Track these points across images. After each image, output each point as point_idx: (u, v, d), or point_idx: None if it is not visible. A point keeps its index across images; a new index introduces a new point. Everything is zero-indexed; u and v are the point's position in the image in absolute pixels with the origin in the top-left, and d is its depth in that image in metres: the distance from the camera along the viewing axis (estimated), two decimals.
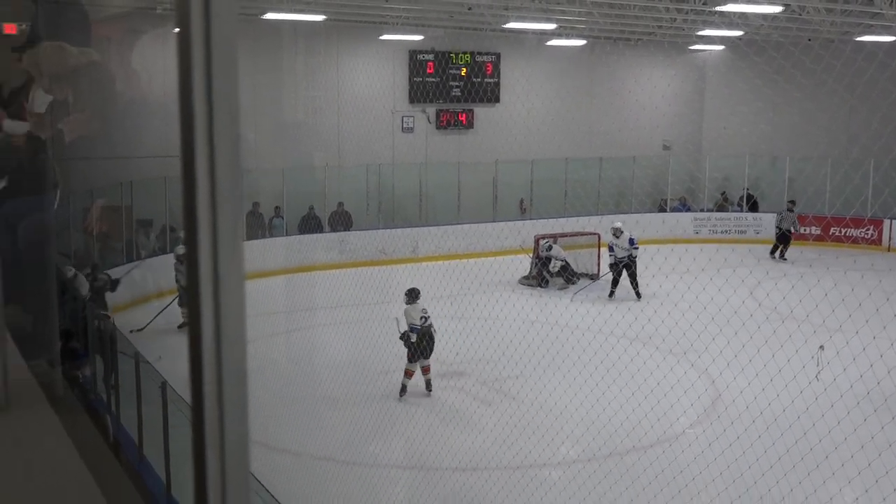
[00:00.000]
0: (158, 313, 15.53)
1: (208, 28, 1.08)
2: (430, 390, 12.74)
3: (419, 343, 12.46)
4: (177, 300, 15.31)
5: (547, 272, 19.91)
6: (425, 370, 12.70)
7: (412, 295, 12.93)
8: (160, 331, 14.97)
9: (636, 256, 18.44)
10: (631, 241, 18.40)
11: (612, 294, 18.66)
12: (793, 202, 24.12)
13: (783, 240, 23.63)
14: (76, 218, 16.50)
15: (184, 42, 1.09)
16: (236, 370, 1.06)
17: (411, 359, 12.52)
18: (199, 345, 1.05)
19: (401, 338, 12.65)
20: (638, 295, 18.35)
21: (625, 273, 18.60)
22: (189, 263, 1.07)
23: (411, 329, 12.53)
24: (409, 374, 12.60)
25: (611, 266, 18.93)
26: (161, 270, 16.40)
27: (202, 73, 1.08)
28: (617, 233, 18.65)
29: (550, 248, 19.95)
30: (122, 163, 15.87)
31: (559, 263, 19.89)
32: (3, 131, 5.06)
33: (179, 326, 15.01)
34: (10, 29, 5.33)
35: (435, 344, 12.76)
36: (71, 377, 7.54)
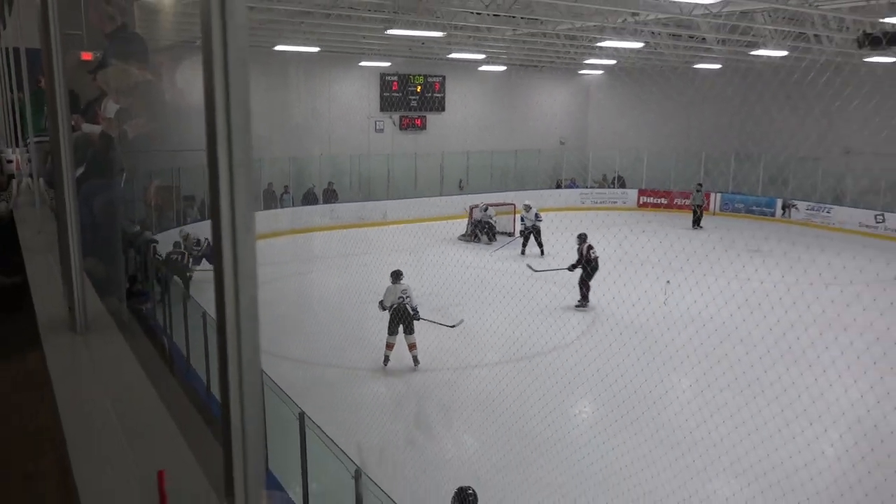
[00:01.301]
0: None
1: (226, 54, 1.06)
2: (417, 364, 10.34)
3: (392, 320, 10.27)
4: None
5: (479, 231, 19.92)
6: (410, 346, 10.38)
7: (396, 276, 10.57)
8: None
9: (540, 226, 18.22)
10: (536, 216, 18.22)
11: (523, 252, 18.38)
12: (700, 184, 23.24)
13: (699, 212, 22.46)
14: (139, 194, 16.16)
15: (208, 64, 1.07)
16: (250, 299, 1.06)
17: (389, 331, 10.38)
18: (221, 282, 1.04)
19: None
20: (542, 252, 18.17)
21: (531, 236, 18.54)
22: (213, 226, 1.06)
23: (382, 306, 10.36)
24: (388, 346, 10.38)
25: (521, 232, 18.79)
26: (204, 232, 16.14)
27: (222, 86, 1.06)
28: (527, 208, 18.49)
29: (487, 209, 19.92)
30: (171, 154, 15.46)
31: (490, 222, 19.86)
32: (81, 131, 4.94)
33: None
34: (88, 56, 5.24)
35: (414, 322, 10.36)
36: (135, 310, 7.41)
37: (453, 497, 5.29)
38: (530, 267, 14.99)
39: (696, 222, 22.43)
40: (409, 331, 10.35)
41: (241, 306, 1.05)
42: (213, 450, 1.28)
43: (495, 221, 20.18)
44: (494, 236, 19.92)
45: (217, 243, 1.06)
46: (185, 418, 1.87)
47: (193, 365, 8.70)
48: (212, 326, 7.39)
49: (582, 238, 13.32)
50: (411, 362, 10.25)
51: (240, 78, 1.07)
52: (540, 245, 18.37)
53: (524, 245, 18.65)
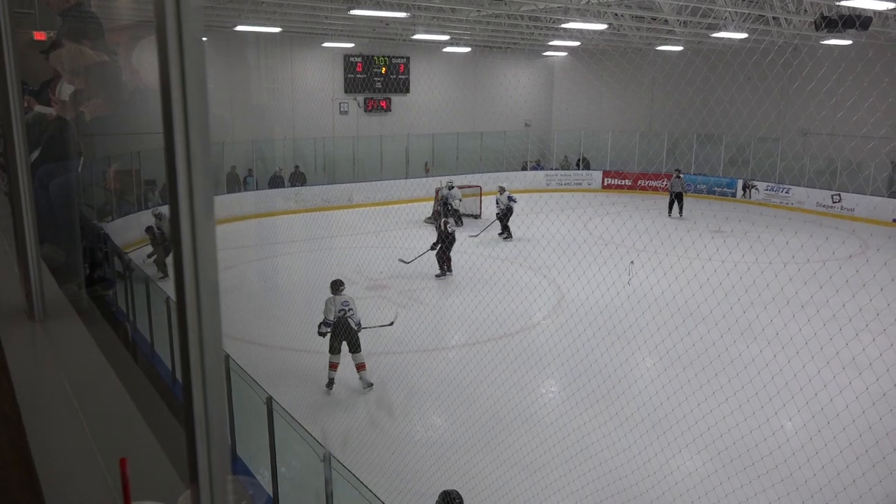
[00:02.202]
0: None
1: (181, 35, 1.04)
2: (369, 387, 8.90)
3: (333, 337, 8.87)
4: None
5: (443, 214, 19.55)
6: (358, 367, 8.93)
7: (336, 286, 8.97)
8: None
9: (514, 207, 17.97)
10: (510, 198, 18.00)
11: (505, 236, 17.95)
12: (679, 170, 22.40)
13: (678, 199, 21.32)
14: (97, 178, 15.82)
15: (162, 46, 1.05)
16: (210, 283, 1.05)
17: (330, 349, 8.94)
18: (181, 266, 1.04)
19: (319, 333, 8.97)
20: (510, 235, 18.01)
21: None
22: (171, 210, 1.05)
23: (325, 323, 8.85)
24: (332, 366, 8.90)
25: (497, 215, 18.32)
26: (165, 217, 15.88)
27: (178, 69, 1.05)
28: (501, 191, 18.29)
29: (452, 187, 19.31)
30: (130, 137, 15.09)
31: (453, 205, 19.51)
32: (34, 111, 4.81)
33: (149, 256, 14.54)
34: (41, 36, 5.10)
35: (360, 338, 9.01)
36: (96, 296, 7.28)
37: (438, 500, 5.21)
38: (403, 260, 14.41)
39: (673, 208, 21.35)
40: (354, 349, 8.91)
41: (202, 290, 1.04)
42: (178, 436, 1.28)
43: (460, 202, 19.68)
44: (460, 219, 19.45)
45: (175, 227, 1.05)
46: (148, 404, 1.85)
47: (158, 351, 8.59)
48: (174, 311, 7.29)
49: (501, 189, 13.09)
50: (371, 346, 10.07)
51: (196, 60, 1.06)
52: (506, 228, 18.30)
53: (503, 230, 18.17)
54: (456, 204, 19.23)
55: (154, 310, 8.71)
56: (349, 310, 8.95)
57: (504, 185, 19.04)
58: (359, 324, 9.07)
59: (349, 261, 13.11)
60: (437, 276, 14.04)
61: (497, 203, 18.52)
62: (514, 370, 9.17)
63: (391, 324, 9.91)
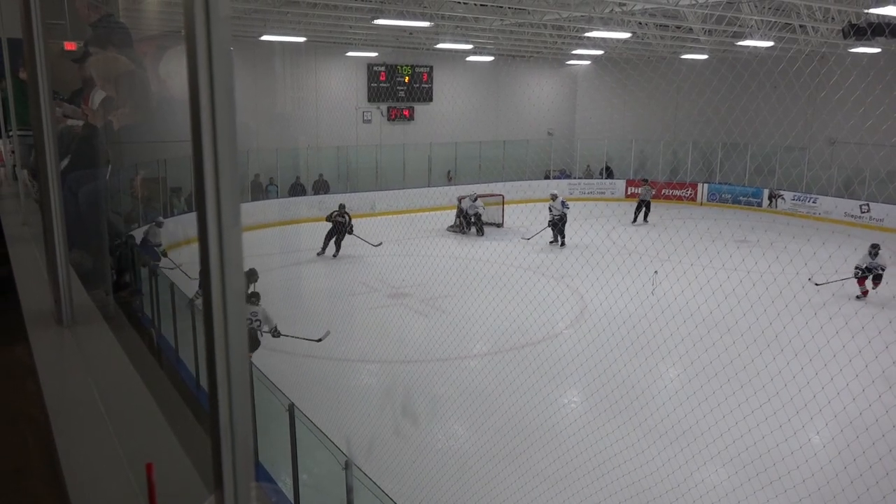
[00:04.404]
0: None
1: (210, 44, 1.05)
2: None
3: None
4: None
5: (468, 223, 19.65)
6: None
7: (250, 297, 9.00)
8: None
9: (567, 213, 17.61)
10: (563, 203, 17.64)
11: (561, 243, 17.61)
12: (646, 179, 23.05)
13: (646, 206, 21.57)
14: (125, 186, 16.07)
15: (191, 55, 1.06)
16: (237, 290, 1.05)
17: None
18: (208, 274, 1.04)
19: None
20: (563, 243, 17.60)
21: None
22: (199, 217, 1.06)
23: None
24: None
25: (549, 222, 17.87)
26: (191, 224, 16.03)
27: (206, 78, 1.06)
28: (553, 197, 17.85)
29: (476, 199, 19.54)
30: (157, 145, 15.32)
31: (478, 212, 19.54)
32: (66, 124, 4.88)
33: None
34: (71, 46, 5.17)
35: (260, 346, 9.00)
36: (122, 302, 7.37)
37: None
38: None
39: (640, 216, 21.39)
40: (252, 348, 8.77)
41: (228, 298, 1.05)
42: (202, 442, 1.28)
43: (483, 211, 19.86)
44: (482, 229, 19.61)
45: (203, 235, 1.05)
46: (173, 410, 1.86)
47: (182, 357, 8.66)
48: (200, 316, 7.36)
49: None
50: (394, 354, 10.15)
51: (224, 69, 1.07)
52: (562, 235, 17.79)
53: (559, 235, 17.80)
54: (479, 209, 19.24)
55: (179, 316, 8.79)
56: (256, 320, 9.00)
57: (556, 191, 18.86)
58: (275, 329, 9.13)
59: (371, 269, 13.15)
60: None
61: (550, 210, 18.06)
62: (536, 380, 9.13)
63: (320, 340, 9.60)
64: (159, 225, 14.94)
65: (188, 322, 7.99)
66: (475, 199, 19.61)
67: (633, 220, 21.22)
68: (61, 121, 4.55)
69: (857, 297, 12.89)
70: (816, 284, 12.72)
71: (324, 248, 16.44)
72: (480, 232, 19.49)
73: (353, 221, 16.52)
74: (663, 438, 7.77)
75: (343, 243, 16.23)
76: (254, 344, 8.89)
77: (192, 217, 1.11)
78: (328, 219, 16.63)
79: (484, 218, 19.94)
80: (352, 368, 10.14)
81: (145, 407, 1.85)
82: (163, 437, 1.68)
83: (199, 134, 1.05)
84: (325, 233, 16.40)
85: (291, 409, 5.65)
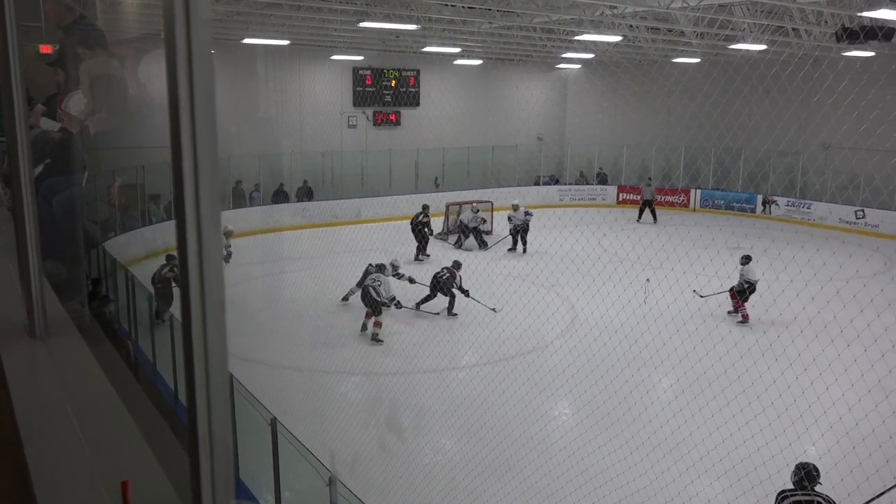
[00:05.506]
0: None
1: (189, 48, 1.05)
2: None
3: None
4: None
5: (465, 236, 19.00)
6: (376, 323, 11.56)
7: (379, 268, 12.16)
8: None
9: (529, 222, 18.15)
10: (526, 212, 18.21)
11: (523, 250, 18.24)
12: (650, 178, 24.01)
13: (649, 206, 22.75)
14: (101, 193, 15.97)
15: (171, 58, 1.06)
16: (216, 301, 1.05)
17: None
18: (187, 283, 1.04)
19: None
20: (525, 250, 18.17)
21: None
22: (178, 226, 1.05)
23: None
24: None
25: (510, 231, 18.51)
26: (170, 232, 15.90)
27: (186, 82, 1.06)
28: (515, 207, 18.39)
29: (478, 210, 19.30)
30: (135, 151, 15.25)
31: (477, 226, 19.07)
32: (40, 128, 4.85)
33: None
34: (47, 49, 5.15)
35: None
36: (98, 313, 7.31)
37: None
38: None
39: (644, 215, 22.69)
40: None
41: (208, 308, 1.04)
42: (180, 458, 1.27)
43: (483, 223, 19.41)
44: (485, 242, 19.02)
45: (182, 244, 1.05)
46: (150, 426, 1.85)
47: (160, 370, 8.60)
48: (179, 329, 7.30)
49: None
50: (379, 366, 10.13)
51: (204, 72, 1.07)
52: (524, 243, 18.23)
53: (514, 243, 18.45)
54: (479, 223, 19.01)
55: (156, 328, 8.74)
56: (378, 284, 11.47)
57: (517, 201, 19.00)
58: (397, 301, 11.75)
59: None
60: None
61: (510, 220, 18.48)
62: (526, 391, 9.12)
63: (494, 309, 12.07)
64: (228, 234, 14.75)
65: (167, 334, 7.94)
66: (477, 212, 19.30)
67: (637, 218, 22.62)
68: (35, 126, 4.51)
69: (729, 313, 12.71)
70: (701, 296, 12.66)
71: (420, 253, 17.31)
72: (483, 245, 18.89)
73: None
74: (656, 451, 7.79)
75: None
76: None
77: (170, 225, 1.11)
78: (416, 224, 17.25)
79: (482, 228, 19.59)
80: (335, 380, 10.09)
81: (121, 422, 1.83)
82: (139, 454, 1.66)
83: (178, 139, 1.05)
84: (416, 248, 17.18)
85: (274, 423, 5.61)
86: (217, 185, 1.09)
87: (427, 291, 12.93)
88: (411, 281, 12.88)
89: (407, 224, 17.73)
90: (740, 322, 12.44)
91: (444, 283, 12.76)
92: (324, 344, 10.87)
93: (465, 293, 12.70)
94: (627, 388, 8.93)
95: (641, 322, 10.92)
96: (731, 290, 12.75)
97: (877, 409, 7.81)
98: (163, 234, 16.24)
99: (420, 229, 17.40)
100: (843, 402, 7.64)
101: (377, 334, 11.41)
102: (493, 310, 12.45)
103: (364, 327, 11.71)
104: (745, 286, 12.51)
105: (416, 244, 17.37)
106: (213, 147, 1.08)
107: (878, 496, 6.04)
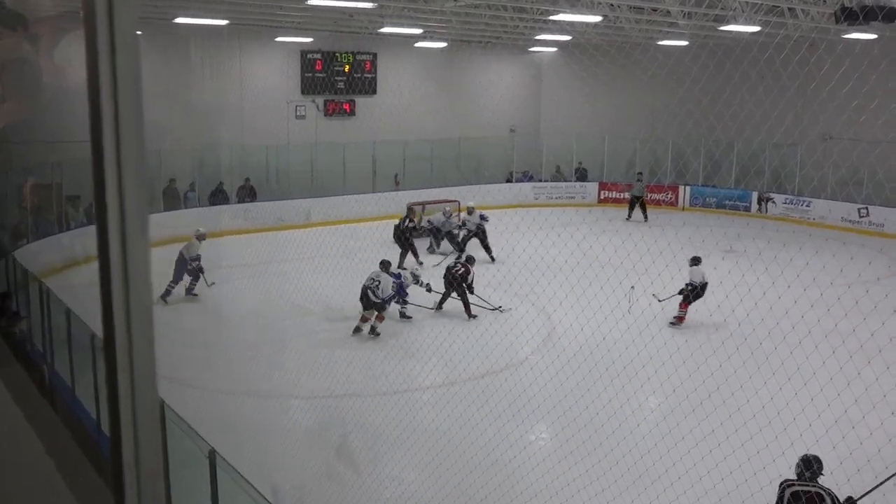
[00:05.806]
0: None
1: (112, 25, 1.04)
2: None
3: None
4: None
5: (436, 241, 19.00)
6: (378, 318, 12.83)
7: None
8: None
9: (485, 226, 18.14)
10: (481, 216, 18.20)
11: (491, 258, 17.90)
12: (640, 173, 24.57)
13: (639, 203, 23.42)
14: (12, 194, 15.69)
15: (91, 40, 1.04)
16: (143, 315, 1.04)
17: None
18: (109, 296, 1.02)
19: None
20: (492, 258, 17.89)
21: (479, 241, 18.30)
22: (98, 230, 1.04)
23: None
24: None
25: (463, 238, 18.45)
26: (90, 238, 15.67)
27: (108, 64, 1.04)
28: (470, 211, 18.47)
29: (450, 215, 19.07)
30: (51, 146, 14.99)
31: (451, 230, 18.88)
32: None
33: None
34: None
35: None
36: (7, 333, 7.16)
37: None
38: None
39: (633, 214, 23.34)
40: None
41: (133, 325, 1.03)
42: (104, 498, 1.25)
43: (461, 228, 19.05)
44: (463, 245, 18.59)
45: (103, 252, 1.04)
46: (68, 460, 1.82)
47: (80, 397, 8.44)
48: (101, 350, 7.18)
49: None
50: (330, 388, 10.07)
51: (129, 56, 1.06)
52: (487, 249, 18.06)
53: (461, 251, 17.80)
54: (453, 227, 18.85)
55: (75, 348, 8.57)
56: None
57: (472, 202, 19.05)
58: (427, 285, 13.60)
59: (305, 287, 13.03)
60: None
61: (464, 224, 18.53)
62: (497, 414, 9.13)
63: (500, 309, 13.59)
64: (200, 238, 15.00)
65: (87, 355, 7.79)
66: (449, 216, 19.08)
67: (627, 216, 23.28)
68: None
69: (672, 324, 13.21)
70: (659, 300, 13.12)
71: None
72: (460, 248, 18.40)
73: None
74: (643, 478, 7.86)
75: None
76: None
77: (91, 230, 1.09)
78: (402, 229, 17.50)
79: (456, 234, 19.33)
80: (280, 405, 10.01)
81: (35, 456, 1.79)
82: (57, 493, 1.63)
83: (99, 132, 1.04)
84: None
85: (212, 455, 5.54)
86: (145, 185, 1.08)
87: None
88: (428, 289, 13.77)
89: (362, 227, 17.69)
90: (672, 323, 13.11)
91: (459, 280, 13.41)
92: (269, 363, 10.75)
93: (471, 290, 13.54)
94: (611, 409, 9.00)
95: (625, 334, 11.03)
96: (680, 291, 13.33)
97: (882, 426, 7.98)
98: (82, 240, 15.96)
99: (406, 236, 17.37)
100: (846, 419, 7.81)
101: (376, 328, 12.55)
102: (500, 309, 13.69)
103: (357, 329, 12.59)
104: (688, 288, 13.14)
105: (400, 252, 17.25)
106: (139, 141, 1.07)
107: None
